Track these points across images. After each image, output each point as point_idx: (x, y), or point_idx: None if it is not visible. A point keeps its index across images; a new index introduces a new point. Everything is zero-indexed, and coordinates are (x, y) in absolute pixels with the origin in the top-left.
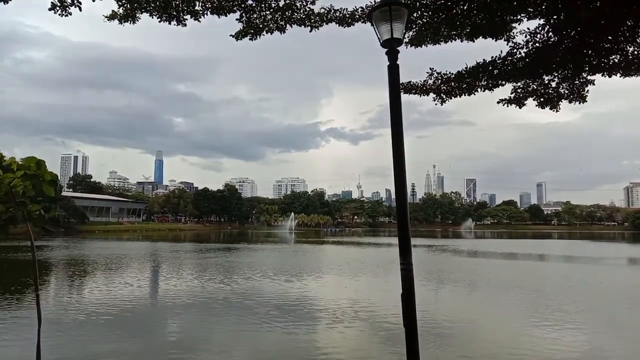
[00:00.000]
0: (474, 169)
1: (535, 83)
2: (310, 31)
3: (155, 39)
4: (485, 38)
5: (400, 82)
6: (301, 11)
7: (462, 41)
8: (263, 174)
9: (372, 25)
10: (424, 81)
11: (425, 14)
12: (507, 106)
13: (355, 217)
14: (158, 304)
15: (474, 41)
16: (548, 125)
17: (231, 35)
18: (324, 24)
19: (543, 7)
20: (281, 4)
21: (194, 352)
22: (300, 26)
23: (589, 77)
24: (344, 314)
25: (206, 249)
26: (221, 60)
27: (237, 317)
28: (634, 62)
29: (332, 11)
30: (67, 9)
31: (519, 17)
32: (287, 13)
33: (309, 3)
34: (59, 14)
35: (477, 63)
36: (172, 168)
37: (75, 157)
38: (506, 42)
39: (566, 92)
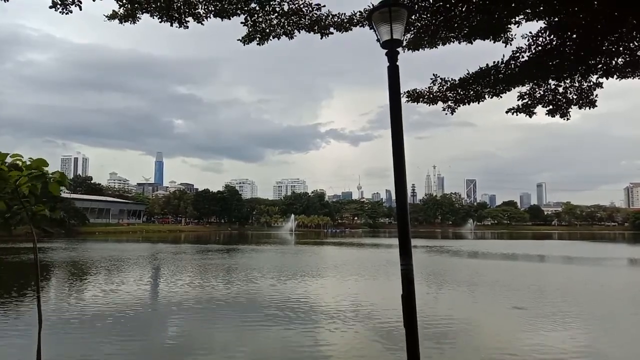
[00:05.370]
0: (474, 170)
1: (542, 88)
2: (321, 38)
3: (155, 40)
4: (483, 40)
5: (406, 90)
6: (307, 17)
7: (459, 43)
8: (263, 175)
9: (371, 27)
10: (429, 88)
11: (423, 16)
12: (517, 115)
13: (356, 218)
14: (158, 305)
15: (472, 43)
16: (547, 126)
17: (238, 40)
18: (323, 29)
19: (541, 8)
20: (286, 8)
21: (195, 352)
22: (309, 32)
23: (597, 80)
24: (344, 315)
25: (206, 250)
26: (221, 62)
27: (237, 319)
28: None
29: (331, 16)
30: (68, 7)
31: (517, 18)
32: (293, 18)
33: (315, 9)
34: (60, 12)
35: (481, 68)
36: (172, 169)
37: (76, 159)
38: (505, 44)
39: (574, 97)
